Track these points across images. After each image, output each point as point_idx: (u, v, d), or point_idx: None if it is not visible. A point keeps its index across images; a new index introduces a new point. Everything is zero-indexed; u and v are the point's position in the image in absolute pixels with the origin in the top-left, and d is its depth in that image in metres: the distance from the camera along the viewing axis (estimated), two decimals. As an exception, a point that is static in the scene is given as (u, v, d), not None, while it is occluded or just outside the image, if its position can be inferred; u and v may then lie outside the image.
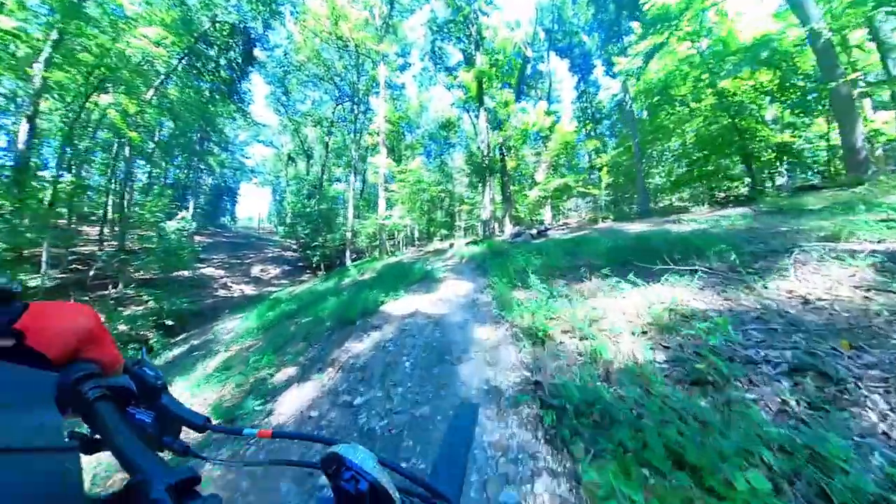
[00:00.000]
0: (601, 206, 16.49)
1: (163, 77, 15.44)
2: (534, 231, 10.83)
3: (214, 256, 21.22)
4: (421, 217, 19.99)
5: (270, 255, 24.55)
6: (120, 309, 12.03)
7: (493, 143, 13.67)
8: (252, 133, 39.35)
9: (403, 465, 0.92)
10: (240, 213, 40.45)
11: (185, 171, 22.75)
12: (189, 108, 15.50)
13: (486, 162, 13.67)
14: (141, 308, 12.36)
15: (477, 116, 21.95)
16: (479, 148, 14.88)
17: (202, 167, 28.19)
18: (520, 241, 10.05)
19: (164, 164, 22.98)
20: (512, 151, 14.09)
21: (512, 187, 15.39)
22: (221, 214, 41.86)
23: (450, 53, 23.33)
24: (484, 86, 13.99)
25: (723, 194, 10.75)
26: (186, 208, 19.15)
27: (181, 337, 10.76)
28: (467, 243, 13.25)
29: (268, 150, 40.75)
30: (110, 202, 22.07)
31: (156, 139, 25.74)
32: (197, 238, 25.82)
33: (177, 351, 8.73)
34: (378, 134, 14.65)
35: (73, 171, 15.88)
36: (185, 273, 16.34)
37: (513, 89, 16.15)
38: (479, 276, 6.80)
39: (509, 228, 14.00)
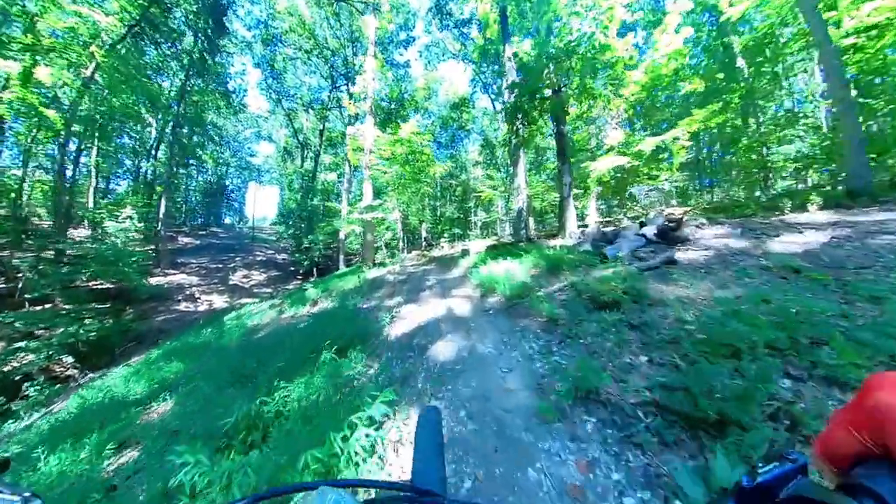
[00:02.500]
0: (672, 193, 11.60)
1: (107, 48, 12.70)
2: (651, 230, 5.36)
3: (194, 260, 18.75)
4: (423, 211, 16.26)
5: (260, 258, 21.94)
6: (41, 332, 9.37)
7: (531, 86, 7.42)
8: (254, 131, 37.44)
9: None
10: (254, 212, 38.53)
11: (172, 168, 20.40)
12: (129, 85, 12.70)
13: (523, 99, 7.54)
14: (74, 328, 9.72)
15: (495, 86, 18.20)
16: (507, 87, 9.10)
17: (192, 162, 26.07)
18: (650, 261, 4.21)
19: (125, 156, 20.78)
20: (573, 86, 7.24)
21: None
22: (224, 214, 40.38)
23: (458, 17, 19.66)
24: (509, 16, 9.42)
25: None
26: (157, 207, 16.68)
27: (85, 379, 7.87)
28: (491, 248, 8.65)
29: (273, 148, 38.75)
30: (91, 198, 20.25)
31: (152, 133, 23.86)
32: (185, 240, 23.70)
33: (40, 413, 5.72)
34: (364, 98, 11.10)
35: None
36: (148, 282, 13.74)
37: None
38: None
39: (573, 224, 7.72)
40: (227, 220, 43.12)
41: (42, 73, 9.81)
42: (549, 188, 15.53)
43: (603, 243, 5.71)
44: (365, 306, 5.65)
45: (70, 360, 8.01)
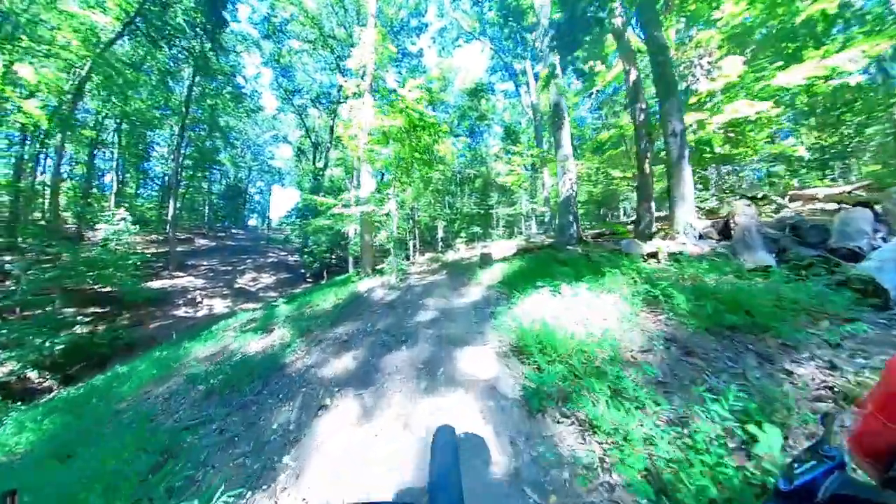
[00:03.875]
0: (794, 166, 7.30)
1: (103, 47, 12.18)
2: None
3: (204, 262, 18.37)
4: (435, 205, 14.53)
5: (272, 259, 21.39)
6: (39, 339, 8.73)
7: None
8: (273, 134, 37.69)
9: None
10: (271, 214, 39.22)
11: (179, 170, 20.31)
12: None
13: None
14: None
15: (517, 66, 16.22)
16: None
17: (214, 165, 26.17)
18: None
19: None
20: None
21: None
22: (247, 216, 41.15)
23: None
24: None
25: None
26: (165, 208, 16.36)
27: (45, 399, 7.03)
28: (522, 254, 6.72)
29: (290, 151, 38.92)
30: (113, 202, 20.60)
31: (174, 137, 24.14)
32: (201, 241, 23.72)
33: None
34: (362, 75, 9.68)
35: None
36: (146, 286, 13.19)
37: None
38: None
39: (689, 211, 4.73)
40: (252, 222, 44.08)
41: (25, 72, 9.13)
42: (602, 162, 12.43)
43: (812, 251, 2.70)
44: (295, 365, 3.39)
45: (34, 374, 7.16)
